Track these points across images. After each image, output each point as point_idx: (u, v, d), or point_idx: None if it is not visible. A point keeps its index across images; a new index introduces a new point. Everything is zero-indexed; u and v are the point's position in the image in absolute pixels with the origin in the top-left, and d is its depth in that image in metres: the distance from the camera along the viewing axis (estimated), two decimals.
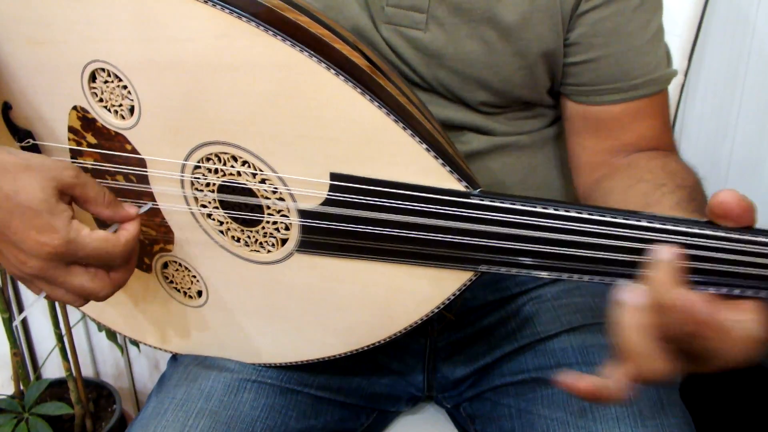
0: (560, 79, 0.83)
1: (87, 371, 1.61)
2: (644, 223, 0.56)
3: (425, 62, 0.78)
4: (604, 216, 0.57)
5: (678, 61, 1.06)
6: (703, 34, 1.19)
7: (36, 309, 1.49)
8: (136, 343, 1.41)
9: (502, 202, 0.59)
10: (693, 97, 1.33)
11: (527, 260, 0.60)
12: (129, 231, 0.68)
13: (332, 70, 0.59)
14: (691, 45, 1.07)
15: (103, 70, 0.68)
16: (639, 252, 0.56)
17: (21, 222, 0.61)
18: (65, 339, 1.39)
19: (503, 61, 0.78)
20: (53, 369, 1.54)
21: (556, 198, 0.92)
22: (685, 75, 1.08)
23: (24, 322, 1.54)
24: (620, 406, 0.77)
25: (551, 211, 0.58)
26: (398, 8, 0.76)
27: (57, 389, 1.48)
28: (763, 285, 0.53)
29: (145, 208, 0.73)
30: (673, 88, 1.04)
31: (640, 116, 0.82)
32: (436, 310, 0.67)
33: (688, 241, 0.55)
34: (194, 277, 0.77)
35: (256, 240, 0.71)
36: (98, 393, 1.53)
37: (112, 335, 1.41)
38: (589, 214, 0.57)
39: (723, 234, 0.54)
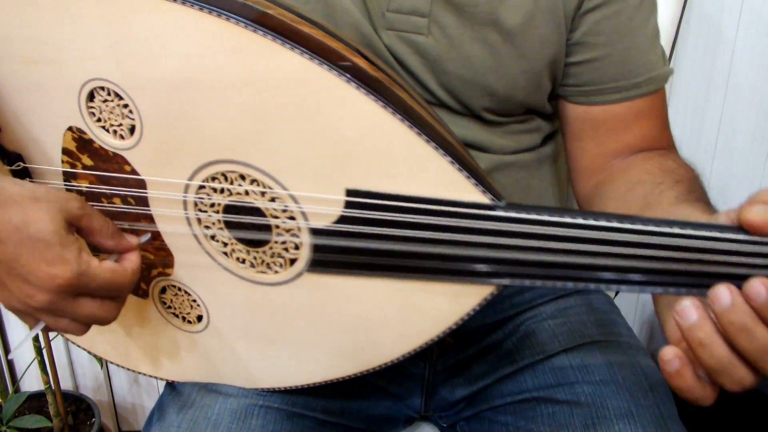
0: (561, 80, 0.83)
1: (66, 384, 1.61)
2: (677, 230, 0.55)
3: (428, 68, 0.77)
4: (633, 224, 0.56)
5: None
6: (677, 51, 1.21)
7: (14, 319, 1.47)
8: None
9: (529, 214, 0.58)
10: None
11: (554, 272, 0.59)
12: (133, 261, 0.67)
13: (352, 84, 0.58)
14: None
15: (102, 88, 0.65)
16: (672, 260, 0.56)
17: (31, 254, 0.59)
18: (44, 352, 1.38)
19: (507, 64, 0.78)
20: (32, 382, 1.55)
21: None
22: None
23: (3, 333, 1.52)
24: (623, 424, 0.77)
25: (580, 221, 0.57)
26: (399, 13, 0.75)
27: (36, 402, 1.48)
28: None
29: (145, 237, 0.70)
30: None
31: (641, 116, 0.83)
32: (454, 326, 0.66)
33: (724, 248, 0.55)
34: (194, 301, 0.75)
35: (263, 261, 0.69)
36: (77, 406, 1.52)
37: None
38: (619, 223, 0.56)
39: (756, 239, 0.54)
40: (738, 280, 0.55)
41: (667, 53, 1.07)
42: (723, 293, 0.52)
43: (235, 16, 0.58)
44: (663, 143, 0.85)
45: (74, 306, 0.63)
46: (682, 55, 1.27)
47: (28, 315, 0.64)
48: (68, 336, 0.86)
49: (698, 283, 0.56)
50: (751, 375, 0.53)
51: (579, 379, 0.82)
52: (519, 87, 0.80)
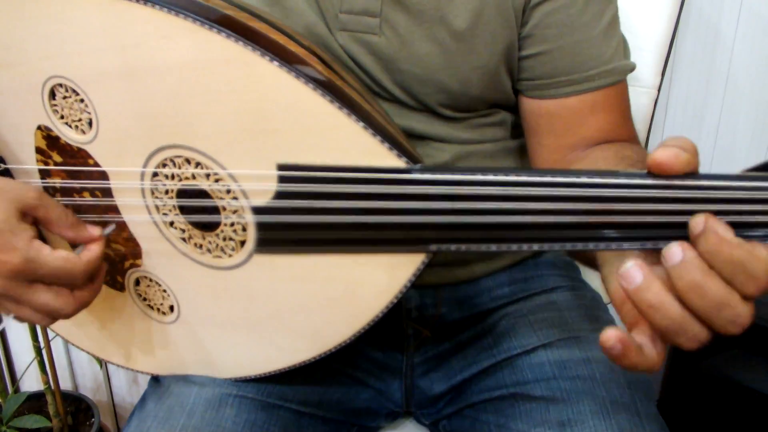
0: (516, 74, 0.83)
1: (65, 384, 1.64)
2: (584, 180, 0.55)
3: (383, 67, 0.79)
4: (543, 177, 0.56)
5: (651, 78, 1.07)
6: (676, 51, 1.20)
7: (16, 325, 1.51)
8: None
9: (443, 174, 0.59)
10: (666, 113, 1.34)
11: (475, 234, 0.59)
12: (92, 251, 0.69)
13: (267, 57, 0.60)
14: (664, 61, 1.08)
15: (60, 85, 0.70)
16: (586, 212, 0.55)
17: None
18: (44, 352, 1.41)
19: (459, 61, 0.79)
20: (31, 382, 1.58)
21: None
22: (659, 90, 1.09)
23: (3, 334, 1.57)
24: (598, 420, 0.75)
25: (491, 177, 0.57)
26: (351, 14, 0.77)
27: (35, 402, 1.50)
28: None
29: (109, 228, 0.73)
30: (645, 105, 1.04)
31: (596, 109, 0.82)
32: (395, 300, 0.66)
33: (634, 194, 0.54)
34: (164, 291, 0.77)
35: (217, 245, 0.71)
36: (76, 406, 1.54)
37: None
38: (528, 176, 0.56)
39: (663, 182, 0.53)
40: (651, 229, 0.54)
41: (665, 54, 1.06)
42: (675, 250, 0.49)
43: (160, 3, 0.61)
44: (623, 136, 0.84)
45: (29, 293, 0.66)
46: (681, 55, 1.26)
47: None
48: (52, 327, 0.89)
49: (631, 236, 0.55)
50: (706, 331, 0.50)
51: (555, 374, 0.81)
52: (472, 83, 0.80)
